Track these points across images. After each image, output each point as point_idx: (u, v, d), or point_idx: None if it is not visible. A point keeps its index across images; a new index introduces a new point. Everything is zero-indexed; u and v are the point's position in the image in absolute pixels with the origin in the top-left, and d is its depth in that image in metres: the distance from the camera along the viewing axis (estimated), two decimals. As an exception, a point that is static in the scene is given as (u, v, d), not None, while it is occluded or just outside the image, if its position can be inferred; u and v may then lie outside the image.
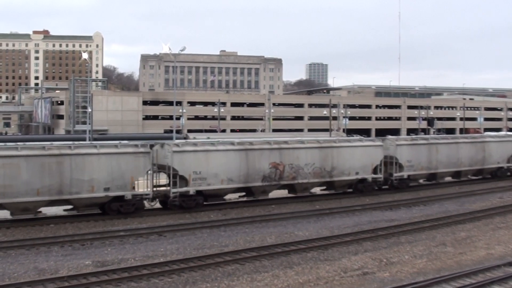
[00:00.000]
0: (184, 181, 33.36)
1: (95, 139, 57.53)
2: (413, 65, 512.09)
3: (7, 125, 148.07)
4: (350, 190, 41.41)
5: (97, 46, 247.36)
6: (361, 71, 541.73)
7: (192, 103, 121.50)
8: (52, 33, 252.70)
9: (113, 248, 24.87)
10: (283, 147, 37.41)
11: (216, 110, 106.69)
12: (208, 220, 31.35)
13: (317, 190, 41.19)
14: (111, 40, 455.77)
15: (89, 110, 68.42)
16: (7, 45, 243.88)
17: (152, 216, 32.20)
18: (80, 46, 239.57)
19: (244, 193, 37.44)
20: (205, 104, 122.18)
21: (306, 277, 20.49)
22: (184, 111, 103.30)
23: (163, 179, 34.88)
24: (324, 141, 40.42)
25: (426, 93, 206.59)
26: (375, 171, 41.56)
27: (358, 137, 46.62)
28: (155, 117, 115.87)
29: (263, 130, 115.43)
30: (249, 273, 21.08)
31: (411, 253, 24.42)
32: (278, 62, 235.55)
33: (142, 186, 32.86)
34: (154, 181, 33.57)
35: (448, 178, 48.69)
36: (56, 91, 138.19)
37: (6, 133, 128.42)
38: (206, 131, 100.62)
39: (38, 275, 20.52)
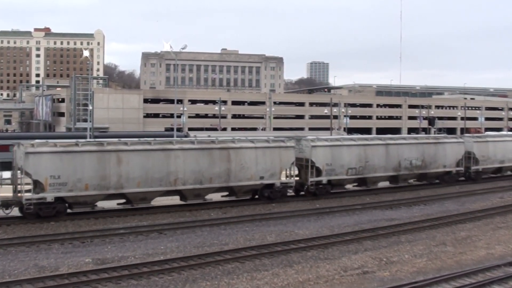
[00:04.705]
0: None
1: (96, 137, 57.50)
2: (414, 64, 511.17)
3: (8, 122, 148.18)
4: None
5: (98, 44, 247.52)
6: (362, 70, 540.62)
7: (193, 101, 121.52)
8: (53, 30, 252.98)
9: (113, 246, 24.89)
10: None
11: (217, 108, 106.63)
12: (209, 218, 31.34)
13: None
14: (112, 38, 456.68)
15: (90, 107, 68.37)
16: (8, 42, 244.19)
17: (152, 214, 32.21)
18: (81, 43, 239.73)
19: None
20: (206, 102, 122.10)
21: (306, 276, 20.50)
22: (185, 109, 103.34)
23: None
24: None
25: (427, 92, 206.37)
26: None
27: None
28: (156, 115, 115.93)
29: (264, 129, 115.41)
30: (249, 272, 21.09)
31: (411, 252, 24.43)
32: (279, 60, 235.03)
33: None
34: None
35: (158, 199, 33.83)
36: (57, 89, 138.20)
37: (7, 130, 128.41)
38: (207, 129, 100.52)
39: (38, 273, 20.56)
